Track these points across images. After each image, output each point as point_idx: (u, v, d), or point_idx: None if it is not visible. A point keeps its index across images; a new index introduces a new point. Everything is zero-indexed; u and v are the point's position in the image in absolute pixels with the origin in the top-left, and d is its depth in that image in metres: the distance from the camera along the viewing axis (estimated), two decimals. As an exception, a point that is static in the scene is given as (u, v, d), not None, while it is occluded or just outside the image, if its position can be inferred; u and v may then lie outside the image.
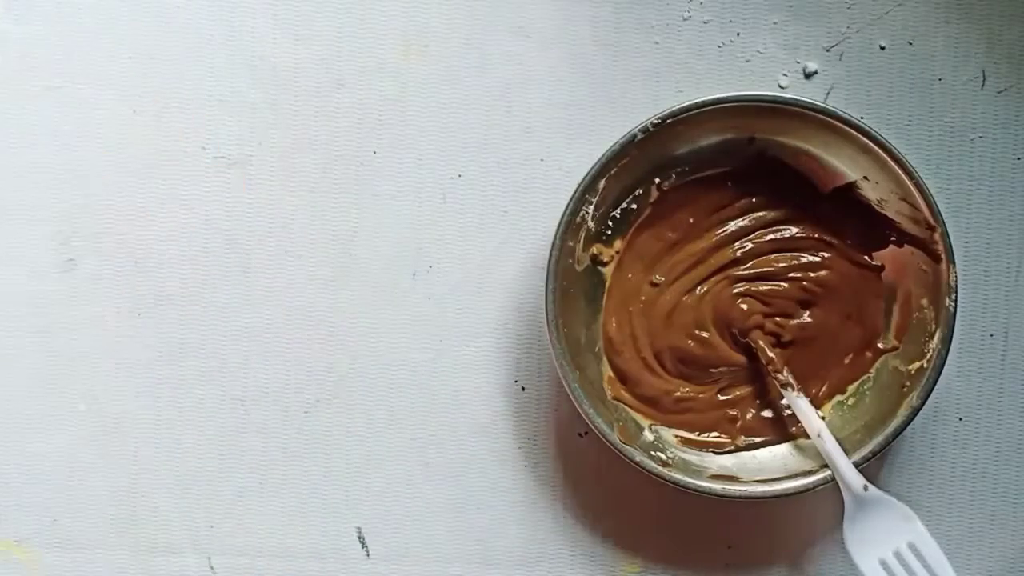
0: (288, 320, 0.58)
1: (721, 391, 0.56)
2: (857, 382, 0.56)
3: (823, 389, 0.56)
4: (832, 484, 0.53)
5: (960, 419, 0.57)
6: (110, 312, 0.58)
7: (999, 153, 0.57)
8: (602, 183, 0.53)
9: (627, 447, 0.53)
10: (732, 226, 0.56)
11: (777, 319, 0.55)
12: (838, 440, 0.53)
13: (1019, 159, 0.57)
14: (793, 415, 0.55)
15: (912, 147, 0.56)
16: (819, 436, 0.53)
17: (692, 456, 0.55)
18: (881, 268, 0.55)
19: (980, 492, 0.57)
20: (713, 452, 0.56)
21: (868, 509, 0.52)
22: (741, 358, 0.56)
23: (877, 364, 0.55)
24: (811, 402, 0.54)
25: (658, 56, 0.57)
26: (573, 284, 0.54)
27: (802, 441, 0.55)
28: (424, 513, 0.58)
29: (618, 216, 0.55)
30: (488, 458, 0.58)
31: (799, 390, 0.54)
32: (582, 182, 0.52)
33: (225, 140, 0.58)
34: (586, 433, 0.57)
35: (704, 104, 0.52)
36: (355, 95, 0.57)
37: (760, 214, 0.56)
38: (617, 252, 0.56)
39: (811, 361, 0.56)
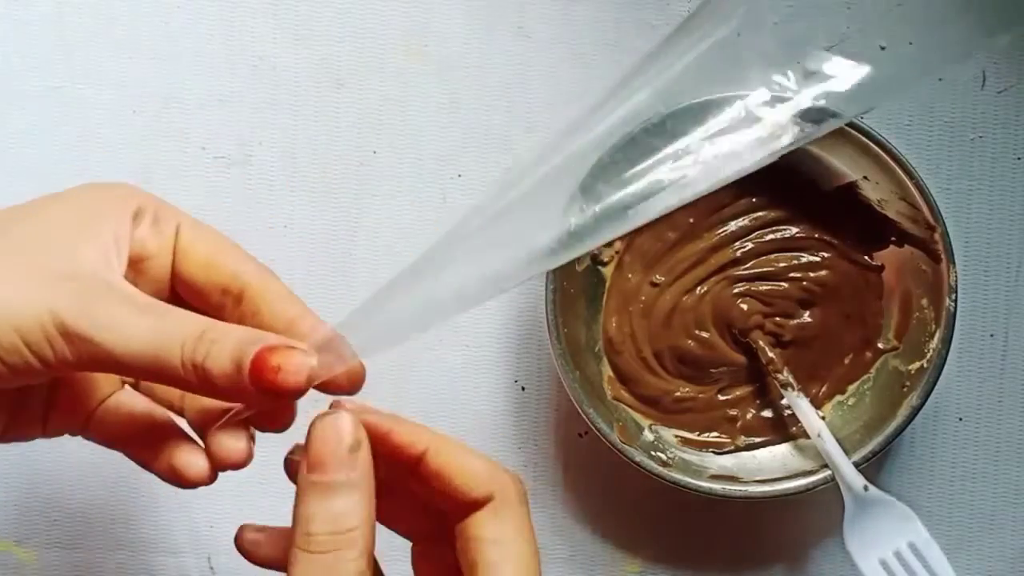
0: (288, 320, 0.58)
1: (721, 391, 0.56)
2: (857, 382, 0.56)
3: (823, 389, 0.56)
4: (832, 484, 0.53)
5: (960, 419, 0.57)
6: (110, 312, 0.58)
7: (999, 153, 0.57)
8: (602, 183, 0.53)
9: (627, 447, 0.53)
10: (732, 226, 0.56)
11: (777, 319, 0.55)
12: (838, 440, 0.53)
13: (1019, 159, 0.57)
14: (793, 415, 0.55)
15: (912, 147, 0.56)
16: (819, 436, 0.53)
17: (692, 456, 0.55)
18: (881, 268, 0.55)
19: (980, 492, 0.57)
20: (713, 452, 0.56)
21: (868, 509, 0.52)
22: (741, 358, 0.56)
23: (877, 364, 0.56)
24: (811, 402, 0.54)
25: (658, 56, 0.57)
26: (573, 284, 0.54)
27: (802, 441, 0.55)
28: (424, 513, 0.58)
29: (618, 216, 0.55)
30: (488, 458, 0.58)
31: (799, 390, 0.54)
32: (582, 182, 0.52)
33: (225, 140, 0.58)
34: (586, 433, 0.57)
35: (704, 104, 0.52)
36: (355, 95, 0.57)
37: (760, 214, 0.56)
38: (617, 252, 0.56)
39: (811, 361, 0.56)
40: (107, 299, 0.34)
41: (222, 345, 0.34)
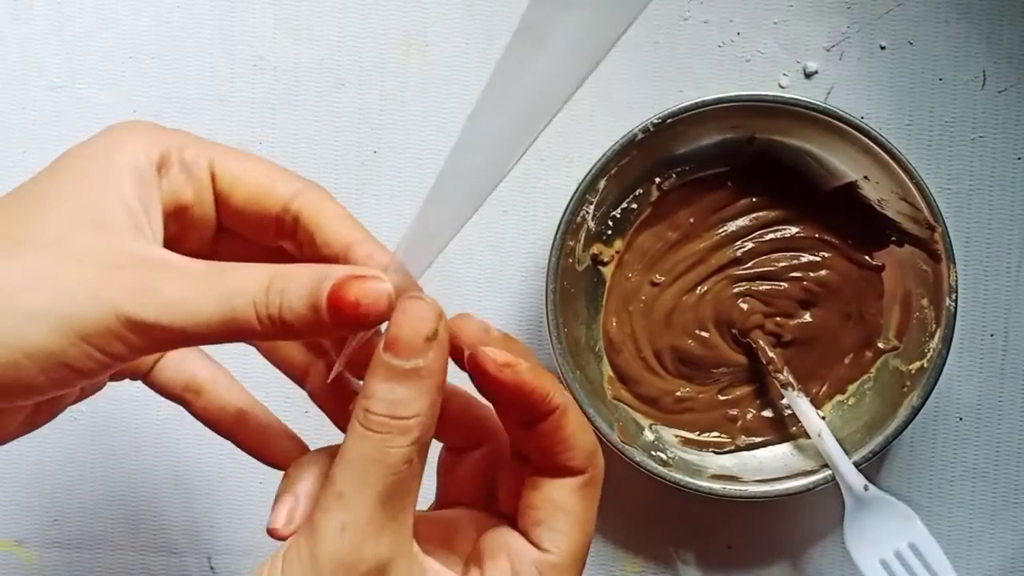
0: (288, 320, 0.58)
1: (721, 391, 0.56)
2: (857, 382, 0.56)
3: (823, 389, 0.56)
4: (832, 484, 0.53)
5: (960, 419, 0.57)
6: (110, 312, 0.58)
7: (999, 153, 0.57)
8: (602, 183, 0.53)
9: (627, 447, 0.53)
10: (732, 226, 0.56)
11: (777, 319, 0.55)
12: (838, 440, 0.53)
13: (1019, 159, 0.57)
14: (793, 415, 0.55)
15: (912, 147, 0.56)
16: (819, 436, 0.53)
17: (692, 456, 0.55)
18: (881, 268, 0.55)
19: (980, 492, 0.57)
20: (713, 452, 0.56)
21: (868, 509, 0.52)
22: (741, 358, 0.56)
23: (877, 364, 0.56)
24: (811, 402, 0.54)
25: (658, 56, 0.57)
26: (573, 284, 0.54)
27: (802, 441, 0.55)
28: (424, 513, 0.58)
29: (618, 216, 0.55)
30: (488, 458, 0.58)
31: (799, 390, 0.54)
32: (582, 182, 0.52)
33: (225, 140, 0.57)
34: (586, 433, 0.57)
35: (704, 104, 0.52)
36: (355, 95, 0.57)
37: (760, 214, 0.56)
38: (617, 252, 0.56)
39: (811, 361, 0.56)
40: (164, 279, 0.33)
41: (293, 292, 0.33)
